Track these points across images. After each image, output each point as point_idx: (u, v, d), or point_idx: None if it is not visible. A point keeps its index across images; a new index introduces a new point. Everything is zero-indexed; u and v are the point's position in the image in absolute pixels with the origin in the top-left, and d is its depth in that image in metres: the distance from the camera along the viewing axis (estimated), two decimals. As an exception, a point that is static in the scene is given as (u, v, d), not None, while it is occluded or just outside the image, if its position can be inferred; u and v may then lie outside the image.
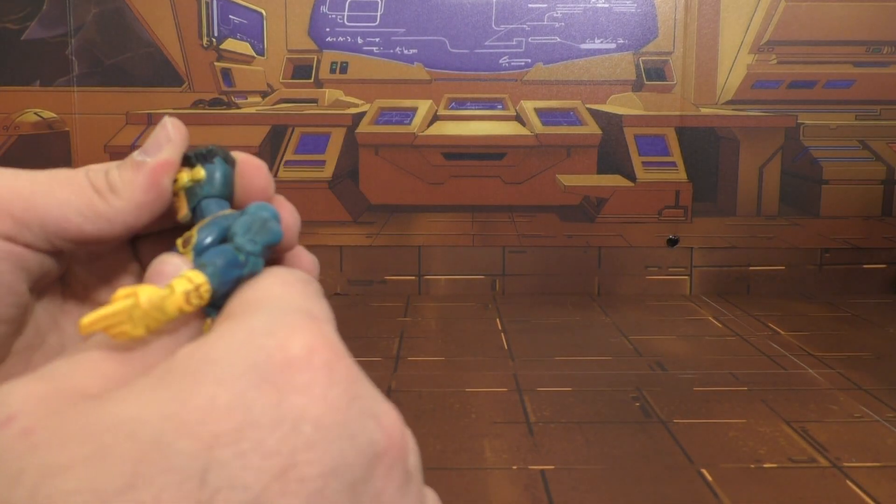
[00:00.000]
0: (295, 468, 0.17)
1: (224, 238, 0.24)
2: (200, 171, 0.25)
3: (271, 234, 0.23)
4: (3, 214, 0.22)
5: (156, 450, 0.16)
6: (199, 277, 0.21)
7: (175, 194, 0.25)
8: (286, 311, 0.20)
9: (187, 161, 0.25)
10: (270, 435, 0.17)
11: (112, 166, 0.24)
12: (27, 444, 0.16)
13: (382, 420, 0.19)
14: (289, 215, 0.25)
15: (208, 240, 0.23)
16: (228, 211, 0.25)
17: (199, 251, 0.23)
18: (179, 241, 0.24)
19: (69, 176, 0.23)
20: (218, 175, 0.25)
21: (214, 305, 0.22)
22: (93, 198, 0.23)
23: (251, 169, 0.25)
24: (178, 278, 0.21)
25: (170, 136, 0.24)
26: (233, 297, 0.21)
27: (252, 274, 0.22)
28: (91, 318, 0.18)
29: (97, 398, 0.17)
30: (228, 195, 0.25)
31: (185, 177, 0.25)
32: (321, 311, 0.21)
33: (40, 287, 0.25)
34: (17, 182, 0.23)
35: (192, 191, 0.25)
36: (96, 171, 0.23)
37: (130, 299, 0.19)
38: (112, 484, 0.15)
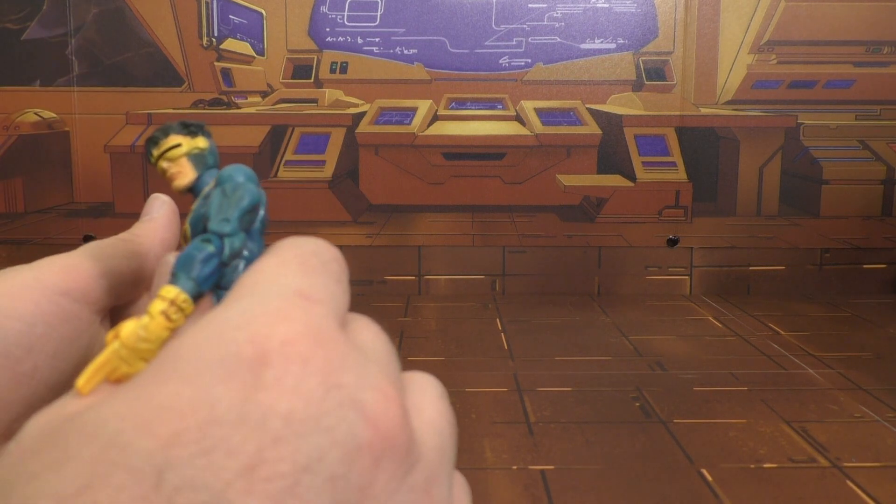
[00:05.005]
0: (262, 466, 0.16)
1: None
2: (203, 140, 0.24)
3: (245, 200, 0.22)
4: (84, 296, 0.25)
5: (114, 449, 0.15)
6: (171, 291, 0.20)
7: (163, 163, 0.24)
8: (272, 297, 0.19)
9: (181, 130, 0.24)
10: (235, 432, 0.16)
11: (126, 232, 0.29)
12: (8, 462, 0.16)
13: (367, 409, 0.18)
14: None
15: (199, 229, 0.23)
16: (211, 184, 0.24)
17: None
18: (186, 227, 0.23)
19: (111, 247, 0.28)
20: (213, 144, 0.25)
21: (226, 287, 0.21)
22: (128, 244, 0.28)
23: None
24: (154, 299, 0.20)
25: (164, 203, 0.30)
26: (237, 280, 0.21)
27: (251, 253, 0.22)
28: (85, 376, 0.18)
29: (80, 410, 0.17)
30: (217, 163, 0.24)
31: (186, 146, 0.24)
32: (318, 289, 0.20)
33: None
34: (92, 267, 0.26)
35: (197, 158, 0.24)
36: (123, 237, 0.28)
37: (115, 342, 0.19)
38: (71, 486, 0.15)
